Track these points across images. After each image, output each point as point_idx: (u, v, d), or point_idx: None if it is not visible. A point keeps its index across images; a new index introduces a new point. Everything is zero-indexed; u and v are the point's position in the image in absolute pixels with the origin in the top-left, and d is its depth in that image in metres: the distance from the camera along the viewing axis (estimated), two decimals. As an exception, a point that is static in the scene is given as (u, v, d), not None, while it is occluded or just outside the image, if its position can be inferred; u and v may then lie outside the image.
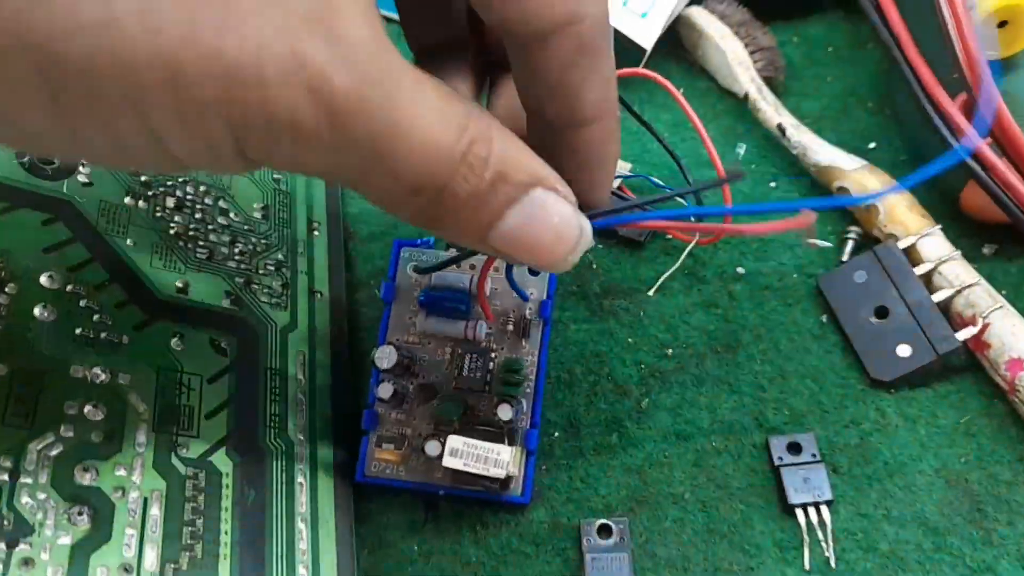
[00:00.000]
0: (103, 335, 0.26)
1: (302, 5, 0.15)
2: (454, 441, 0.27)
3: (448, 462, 0.27)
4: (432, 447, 0.28)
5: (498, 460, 0.27)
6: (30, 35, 0.14)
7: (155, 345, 0.27)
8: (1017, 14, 0.31)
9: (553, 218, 0.19)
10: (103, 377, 0.25)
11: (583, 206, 0.21)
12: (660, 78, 0.30)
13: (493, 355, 0.30)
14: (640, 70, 0.30)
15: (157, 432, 0.25)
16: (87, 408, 0.24)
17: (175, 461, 0.25)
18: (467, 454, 0.27)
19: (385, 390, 0.28)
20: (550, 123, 0.21)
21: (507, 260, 0.24)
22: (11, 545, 0.21)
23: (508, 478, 0.28)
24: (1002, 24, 0.31)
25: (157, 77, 0.15)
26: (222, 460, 0.26)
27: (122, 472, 0.24)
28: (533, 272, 0.31)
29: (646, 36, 0.37)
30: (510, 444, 0.28)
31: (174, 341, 0.27)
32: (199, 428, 0.26)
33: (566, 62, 0.19)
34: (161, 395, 0.26)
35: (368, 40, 0.16)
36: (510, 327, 0.30)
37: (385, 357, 0.29)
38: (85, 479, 0.23)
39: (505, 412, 0.28)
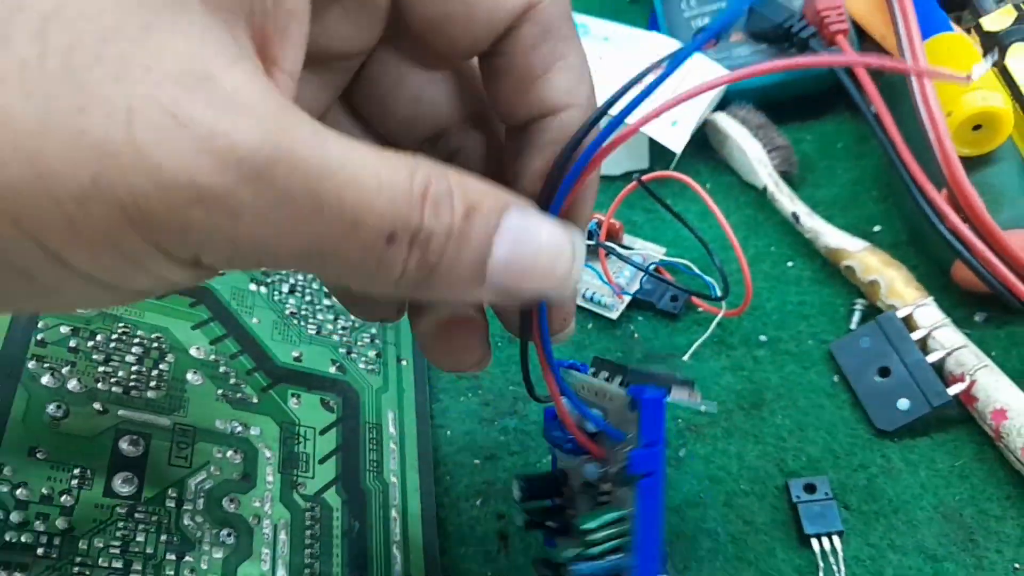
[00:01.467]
0: (238, 395, 0.32)
1: (173, 64, 0.13)
2: None
3: None
4: None
5: None
6: None
7: (277, 404, 0.33)
8: (989, 119, 0.37)
9: (541, 235, 0.18)
10: (239, 429, 0.31)
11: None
12: (689, 180, 0.36)
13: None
14: (672, 172, 0.37)
15: (282, 473, 0.31)
16: (229, 453, 0.30)
17: (296, 497, 0.31)
18: None
19: None
20: (525, 122, 0.21)
21: (509, 302, 0.22)
22: (180, 557, 0.27)
23: None
24: (977, 127, 0.37)
25: (25, 181, 0.13)
26: (332, 497, 0.32)
27: (257, 504, 0.30)
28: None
29: (676, 142, 0.43)
30: None
31: (292, 401, 0.33)
32: (314, 470, 0.32)
33: (528, 46, 0.19)
34: (283, 444, 0.32)
35: (262, 91, 0.14)
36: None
37: (515, 488, 0.27)
38: (231, 508, 0.29)
39: None
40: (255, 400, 0.33)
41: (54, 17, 0.13)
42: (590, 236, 0.40)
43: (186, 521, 0.28)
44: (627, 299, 0.40)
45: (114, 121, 0.13)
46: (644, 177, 0.37)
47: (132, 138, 0.13)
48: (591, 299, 0.40)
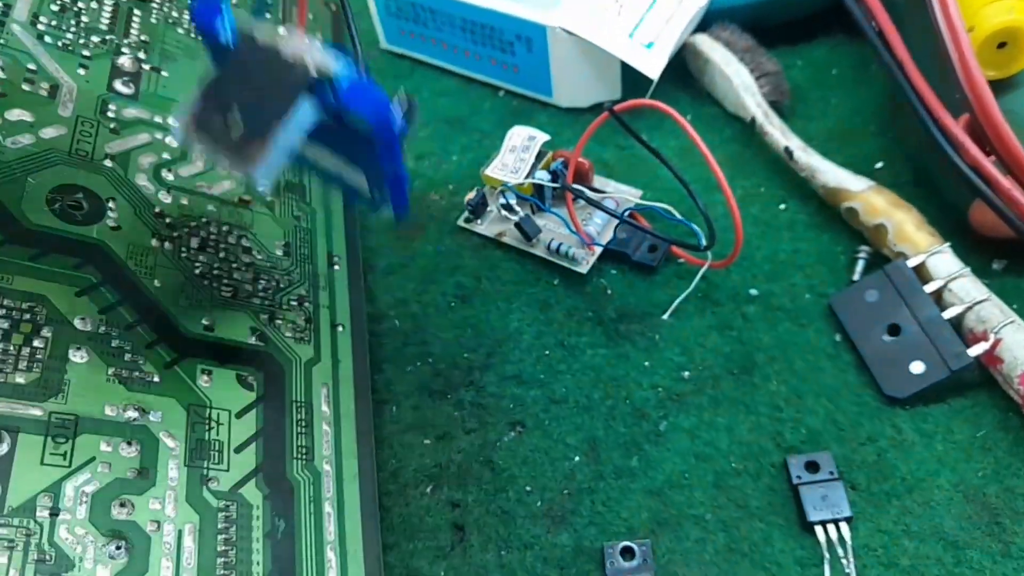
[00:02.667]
0: (134, 374, 0.27)
1: None
2: None
3: None
4: None
5: None
6: None
7: (184, 382, 0.28)
8: (1016, 35, 0.31)
9: None
10: (135, 415, 0.26)
11: None
12: (668, 108, 0.31)
13: None
14: (647, 101, 0.31)
15: (188, 466, 0.26)
16: (121, 446, 0.25)
17: (207, 494, 0.26)
18: None
19: None
20: None
21: None
22: (53, 581, 0.22)
23: None
24: (1001, 45, 0.32)
25: None
26: (252, 492, 0.27)
27: (156, 506, 0.25)
28: None
29: (652, 67, 0.38)
30: None
31: (202, 378, 0.28)
32: (229, 462, 0.27)
33: None
34: (191, 431, 0.27)
35: None
36: None
37: None
38: (121, 514, 0.24)
39: None
40: (156, 379, 0.27)
41: None
42: (555, 178, 0.35)
43: (63, 535, 0.23)
44: (598, 250, 0.35)
45: None
46: (616, 107, 0.31)
47: None
48: (557, 250, 0.35)
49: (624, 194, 0.36)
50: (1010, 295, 0.33)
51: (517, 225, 0.34)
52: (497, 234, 0.36)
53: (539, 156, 0.35)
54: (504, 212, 0.35)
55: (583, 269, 0.35)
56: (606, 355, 0.33)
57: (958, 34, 0.31)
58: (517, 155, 0.35)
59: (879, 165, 0.38)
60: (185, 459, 0.26)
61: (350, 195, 0.26)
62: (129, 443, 0.25)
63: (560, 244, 0.35)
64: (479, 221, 0.37)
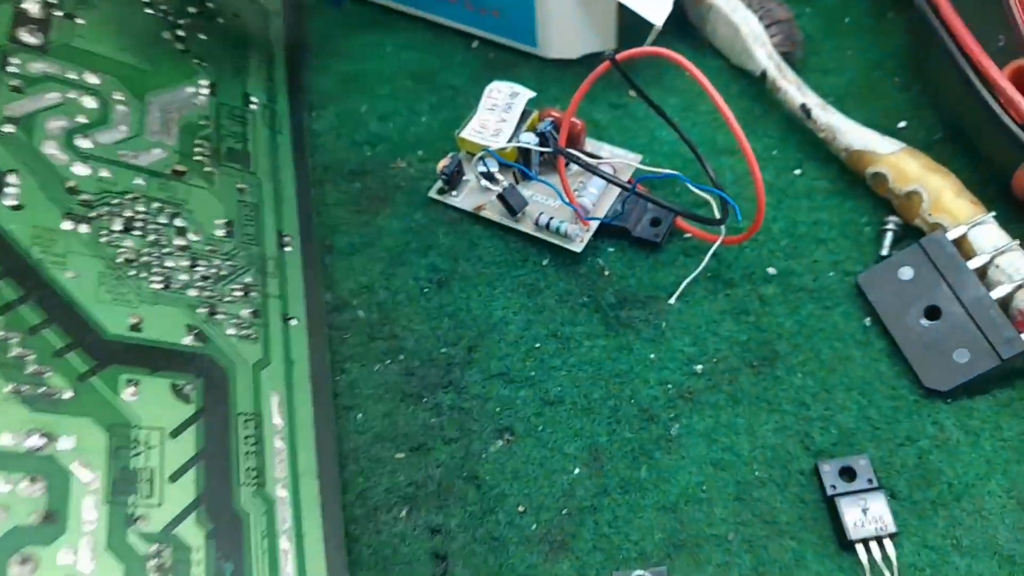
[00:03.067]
0: (40, 390, 0.21)
1: None
2: None
3: None
4: None
5: None
6: None
7: (105, 397, 0.23)
8: (1076, -30, 0.27)
9: None
10: (40, 443, 0.21)
11: None
12: (678, 56, 0.26)
13: None
14: (656, 48, 0.26)
15: (111, 503, 0.21)
16: (22, 484, 0.20)
17: (133, 538, 0.21)
18: None
19: None
20: None
21: None
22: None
23: None
24: (1057, -17, 0.28)
25: None
26: (191, 531, 0.22)
27: (68, 559, 0.20)
28: None
29: (656, 10, 0.32)
30: None
31: (128, 391, 0.23)
32: (162, 494, 0.22)
33: None
34: (113, 458, 0.22)
35: None
36: None
37: None
38: (24, 573, 0.19)
39: None
40: (68, 395, 0.22)
41: None
42: (543, 141, 0.30)
43: (-55, 604, 0.18)
44: (594, 225, 0.30)
45: None
46: (619, 56, 0.27)
47: None
48: (547, 226, 0.30)
49: (621, 159, 0.32)
50: (1057, 270, 0.29)
51: (500, 197, 0.30)
52: (476, 208, 0.31)
53: (523, 116, 0.31)
54: (484, 182, 0.30)
55: (577, 247, 0.30)
56: (606, 347, 0.29)
57: (1013, -31, 0.26)
58: (498, 115, 0.30)
59: (902, 124, 0.33)
60: (106, 495, 0.21)
61: None
62: (32, 479, 0.20)
63: (551, 219, 0.30)
64: (454, 192, 0.32)
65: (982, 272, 0.28)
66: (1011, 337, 0.27)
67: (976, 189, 0.30)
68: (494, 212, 0.31)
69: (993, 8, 0.27)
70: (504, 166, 0.31)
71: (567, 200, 0.29)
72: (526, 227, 0.31)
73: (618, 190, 0.31)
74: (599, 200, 0.31)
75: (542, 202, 0.31)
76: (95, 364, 0.23)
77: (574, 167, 0.30)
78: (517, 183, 0.31)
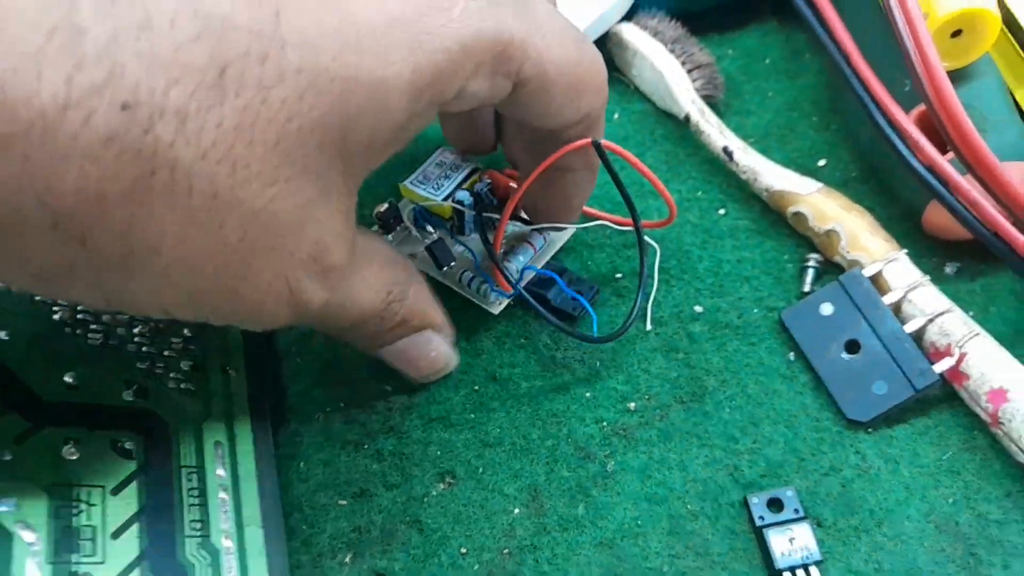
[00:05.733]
0: (-23, 454, 0.22)
1: (302, 249, 0.21)
2: None
3: None
4: None
5: None
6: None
7: (43, 457, 0.23)
8: (973, 22, 0.29)
9: (431, 350, 0.28)
10: (-20, 507, 0.21)
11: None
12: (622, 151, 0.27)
13: None
14: (633, 159, 0.27)
15: (53, 564, 0.21)
16: (-38, 549, 0.20)
17: (77, 598, 0.21)
18: None
19: None
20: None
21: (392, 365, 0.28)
22: None
23: None
24: (956, 33, 0.30)
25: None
26: (135, 588, 0.22)
27: (11, 624, 0.20)
28: None
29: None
30: None
31: (66, 449, 0.23)
32: (105, 552, 0.22)
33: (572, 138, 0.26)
34: (55, 517, 0.22)
35: (344, 264, 0.22)
36: None
37: None
38: (-37, 641, 0.19)
39: None
40: (6, 457, 0.22)
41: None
42: (477, 201, 0.30)
43: None
44: (513, 293, 0.30)
45: (257, 292, 0.21)
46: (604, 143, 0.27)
47: (261, 307, 0.21)
48: (469, 284, 0.31)
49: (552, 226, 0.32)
50: (965, 300, 0.31)
51: (427, 249, 0.30)
52: (407, 256, 0.31)
53: (472, 172, 0.31)
54: (415, 232, 0.31)
55: (495, 310, 0.31)
56: (543, 387, 0.30)
57: (914, 19, 0.28)
58: (443, 171, 0.30)
59: (822, 163, 0.35)
60: (48, 555, 0.21)
61: None
62: (-28, 544, 0.20)
63: (473, 278, 0.31)
64: (389, 237, 0.32)
65: (897, 307, 0.30)
66: (924, 369, 0.28)
67: (890, 226, 0.32)
68: (423, 263, 0.31)
69: (898, 54, 0.29)
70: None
71: (492, 262, 0.30)
72: (450, 282, 0.31)
73: (553, 252, 0.32)
74: (525, 271, 0.31)
75: (473, 257, 0.31)
76: (32, 425, 0.23)
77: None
78: (455, 235, 0.31)
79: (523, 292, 0.29)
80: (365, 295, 0.24)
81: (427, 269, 0.31)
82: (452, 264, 0.30)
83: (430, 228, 0.31)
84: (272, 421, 0.28)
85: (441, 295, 0.28)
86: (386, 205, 0.31)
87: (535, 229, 0.31)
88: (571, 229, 0.32)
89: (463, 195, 0.29)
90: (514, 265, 0.30)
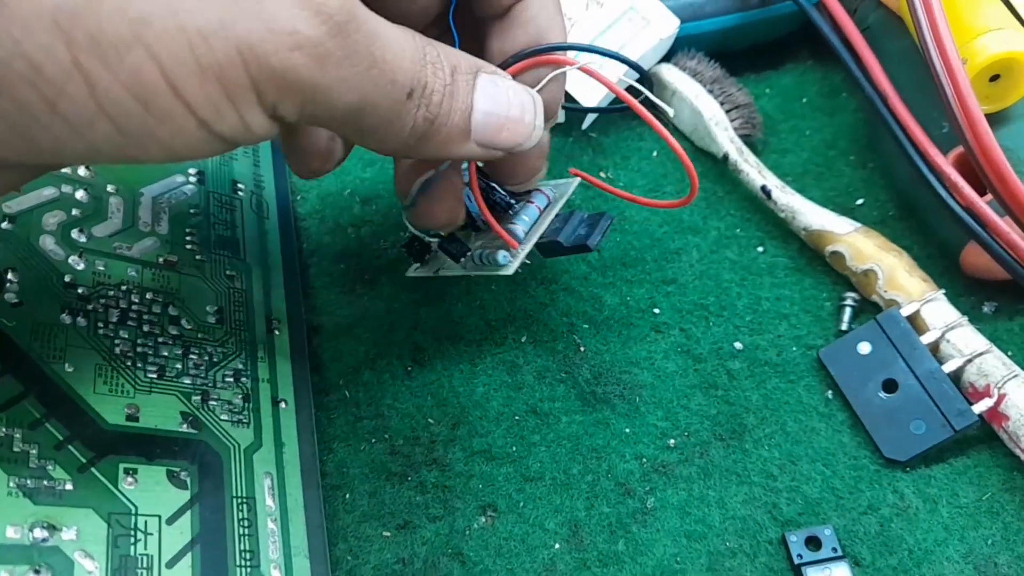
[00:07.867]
0: (43, 483, 0.22)
1: None
2: None
3: None
4: None
5: None
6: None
7: (103, 487, 0.23)
8: (1011, 67, 0.29)
9: (508, 93, 0.23)
10: (44, 536, 0.22)
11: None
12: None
13: None
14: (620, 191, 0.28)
15: (111, 592, 0.22)
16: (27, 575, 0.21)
17: (134, 625, 0.22)
18: None
19: None
20: (502, 11, 0.25)
21: (490, 156, 0.24)
22: None
23: None
24: (994, 78, 0.30)
25: (161, 16, 0.17)
26: (188, 616, 0.23)
27: (73, 649, 0.21)
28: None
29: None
30: None
31: (125, 480, 0.24)
32: (160, 580, 0.23)
33: None
34: (113, 546, 0.23)
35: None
36: None
37: None
38: (29, 665, 0.20)
39: None
40: (69, 487, 0.23)
41: None
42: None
43: None
44: (525, 248, 0.29)
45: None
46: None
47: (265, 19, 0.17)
48: (481, 259, 0.30)
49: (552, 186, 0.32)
50: (1003, 340, 0.31)
51: (441, 246, 0.30)
52: (436, 271, 0.32)
53: None
54: (443, 255, 0.31)
55: (509, 271, 0.29)
56: (583, 422, 0.30)
57: (953, 64, 0.28)
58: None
59: (860, 201, 0.35)
60: (107, 583, 0.22)
61: None
62: (37, 571, 0.21)
63: (480, 252, 0.30)
64: (420, 266, 0.32)
65: (935, 347, 0.30)
66: (963, 409, 0.28)
67: (927, 265, 0.32)
68: (448, 269, 0.31)
69: (935, 96, 0.29)
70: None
71: (495, 231, 0.29)
72: (468, 269, 0.30)
73: (552, 216, 0.31)
74: (536, 224, 0.30)
75: (483, 240, 0.31)
76: (93, 455, 0.24)
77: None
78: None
79: (522, 238, 0.29)
80: (391, 29, 0.20)
81: (446, 270, 0.31)
82: (468, 253, 0.30)
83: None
84: (319, 451, 0.29)
85: (496, 322, 0.29)
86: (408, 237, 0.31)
87: (513, 191, 0.31)
88: (574, 181, 0.32)
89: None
90: (520, 226, 0.30)
